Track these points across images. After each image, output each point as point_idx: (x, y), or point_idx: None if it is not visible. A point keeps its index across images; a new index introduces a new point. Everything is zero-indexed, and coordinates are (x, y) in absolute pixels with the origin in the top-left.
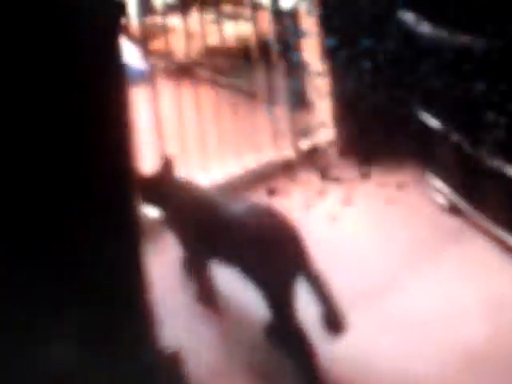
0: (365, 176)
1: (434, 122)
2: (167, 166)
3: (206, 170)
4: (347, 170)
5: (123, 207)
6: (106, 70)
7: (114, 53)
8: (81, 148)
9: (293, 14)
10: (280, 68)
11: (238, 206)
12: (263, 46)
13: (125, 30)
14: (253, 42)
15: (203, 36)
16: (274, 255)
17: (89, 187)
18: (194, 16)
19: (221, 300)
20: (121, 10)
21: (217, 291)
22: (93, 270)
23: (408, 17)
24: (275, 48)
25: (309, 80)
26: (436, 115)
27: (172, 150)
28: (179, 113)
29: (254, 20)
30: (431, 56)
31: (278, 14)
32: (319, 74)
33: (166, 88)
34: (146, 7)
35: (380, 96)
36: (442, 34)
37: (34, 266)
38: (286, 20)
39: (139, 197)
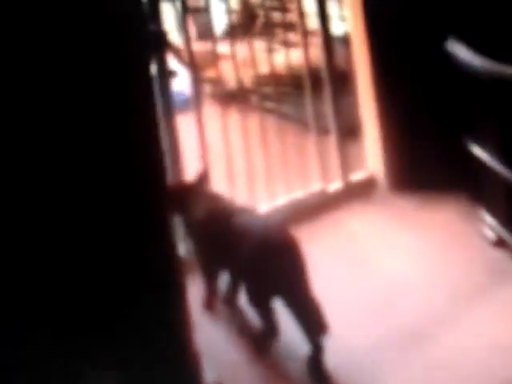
0: (415, 208)
1: (484, 156)
2: (201, 177)
3: (252, 201)
4: (397, 202)
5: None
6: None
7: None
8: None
9: (345, 40)
10: (331, 95)
11: (249, 221)
12: (314, 74)
13: (177, 54)
14: (303, 69)
15: (254, 63)
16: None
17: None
18: (246, 43)
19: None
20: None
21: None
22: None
23: (457, 48)
24: (326, 75)
25: (360, 108)
26: (487, 148)
27: (218, 176)
28: (227, 140)
29: (305, 47)
30: (482, 89)
31: (329, 40)
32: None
33: (215, 114)
34: (200, 32)
35: (431, 127)
36: (493, 66)
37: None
38: (337, 46)
39: (169, 204)
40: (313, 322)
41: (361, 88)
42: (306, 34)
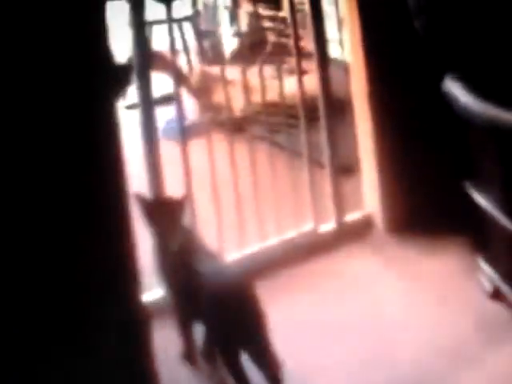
0: (411, 253)
1: (485, 203)
2: (183, 199)
3: (242, 236)
4: (393, 246)
5: None
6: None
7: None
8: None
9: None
10: (326, 126)
11: (211, 271)
12: (311, 102)
13: (183, 80)
14: (298, 97)
15: (262, 91)
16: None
17: None
18: (255, 69)
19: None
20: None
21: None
22: None
23: (455, 88)
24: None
25: (357, 142)
26: (488, 195)
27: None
28: (214, 168)
29: (299, 74)
30: (482, 134)
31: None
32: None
33: (217, 143)
34: (207, 57)
35: (432, 169)
36: (493, 111)
37: None
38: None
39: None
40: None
41: (359, 121)
42: (300, 60)
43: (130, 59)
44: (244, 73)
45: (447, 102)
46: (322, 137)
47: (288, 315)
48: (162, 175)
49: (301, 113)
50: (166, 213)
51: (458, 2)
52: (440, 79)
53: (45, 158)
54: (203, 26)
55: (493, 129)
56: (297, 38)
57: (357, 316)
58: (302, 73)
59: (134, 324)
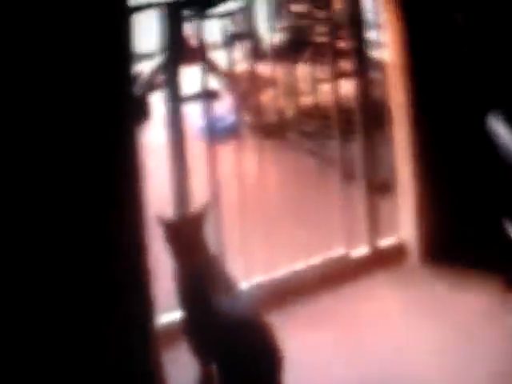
0: (444, 286)
1: None
2: (202, 213)
3: (268, 254)
4: (426, 277)
5: None
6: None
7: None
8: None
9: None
10: (363, 140)
11: (228, 301)
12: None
13: (225, 75)
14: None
15: (302, 93)
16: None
17: None
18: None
19: None
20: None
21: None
22: None
23: (498, 126)
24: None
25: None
26: None
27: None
28: (242, 178)
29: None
30: None
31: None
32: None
33: (251, 148)
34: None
35: (472, 201)
36: None
37: None
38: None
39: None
40: None
41: (396, 134)
42: (336, 63)
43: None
44: (286, 71)
45: (489, 137)
46: (357, 151)
47: (308, 352)
48: (187, 180)
49: (336, 121)
50: (185, 234)
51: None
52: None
53: (65, 184)
54: (245, 23)
55: None
56: (333, 39)
57: (380, 351)
58: (341, 76)
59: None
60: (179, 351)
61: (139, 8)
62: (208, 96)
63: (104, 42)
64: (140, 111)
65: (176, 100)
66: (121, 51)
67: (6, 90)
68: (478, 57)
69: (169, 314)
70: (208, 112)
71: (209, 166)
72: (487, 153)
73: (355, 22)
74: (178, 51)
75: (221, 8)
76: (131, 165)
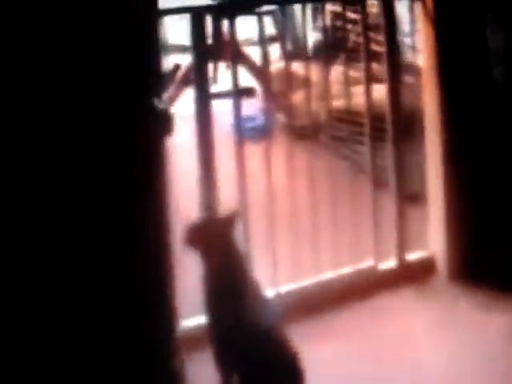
0: (473, 305)
1: None
2: (230, 217)
3: (295, 263)
4: (455, 294)
5: None
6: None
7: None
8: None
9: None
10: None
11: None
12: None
13: (259, 74)
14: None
15: (335, 96)
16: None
17: None
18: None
19: None
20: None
21: None
22: None
23: None
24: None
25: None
26: None
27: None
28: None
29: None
30: None
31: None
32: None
33: (282, 148)
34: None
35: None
36: None
37: None
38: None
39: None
40: None
41: (429, 147)
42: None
43: (175, 66)
44: (320, 72)
45: None
46: (388, 158)
47: (331, 364)
48: (214, 181)
49: (368, 126)
50: (212, 236)
51: None
52: None
53: (88, 191)
54: (283, 22)
55: None
56: (367, 42)
57: (403, 367)
58: (375, 80)
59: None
60: (199, 359)
61: (169, 11)
62: (242, 93)
63: (132, 46)
64: (164, 120)
65: (205, 97)
66: (148, 58)
67: (30, 98)
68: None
69: (191, 319)
70: (239, 110)
71: (237, 165)
72: None
73: (389, 26)
74: (208, 48)
75: (259, 7)
76: (155, 171)
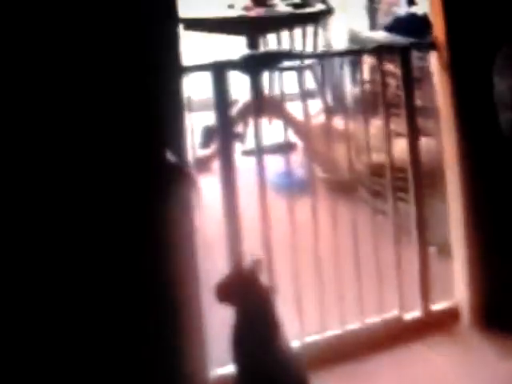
0: (496, 354)
1: None
2: (254, 267)
3: (321, 314)
4: (478, 343)
5: None
6: None
7: None
8: None
9: None
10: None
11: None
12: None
13: (298, 129)
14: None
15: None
16: None
17: None
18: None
19: None
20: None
21: None
22: None
23: None
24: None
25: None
26: None
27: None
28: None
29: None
30: None
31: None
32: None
33: (321, 203)
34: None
35: None
36: None
37: None
38: None
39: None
40: None
41: (450, 196)
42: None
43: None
44: (360, 126)
45: None
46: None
47: None
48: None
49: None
50: (240, 290)
51: None
52: None
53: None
54: (324, 75)
55: None
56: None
57: None
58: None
59: None
60: None
61: (194, 68)
62: (283, 148)
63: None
64: (178, 174)
65: (229, 154)
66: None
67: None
68: None
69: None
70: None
71: (263, 218)
72: None
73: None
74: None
75: (301, 61)
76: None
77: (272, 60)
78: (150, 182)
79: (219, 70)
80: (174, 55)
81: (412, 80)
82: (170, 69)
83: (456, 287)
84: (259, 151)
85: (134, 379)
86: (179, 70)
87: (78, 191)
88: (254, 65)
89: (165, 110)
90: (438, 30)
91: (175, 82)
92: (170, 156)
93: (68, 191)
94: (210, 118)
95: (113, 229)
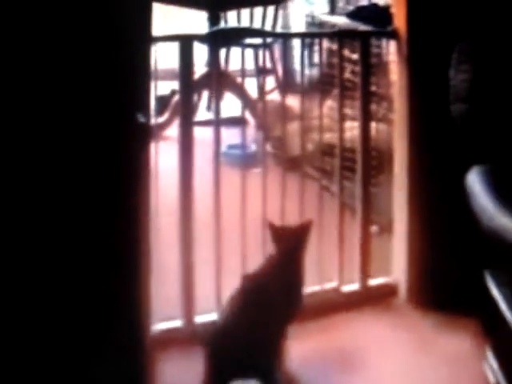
0: (428, 327)
1: (499, 296)
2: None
3: None
4: (410, 320)
5: None
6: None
7: None
8: None
9: None
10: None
11: None
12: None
13: (251, 105)
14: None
15: (327, 129)
16: None
17: None
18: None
19: None
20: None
21: None
22: None
23: (476, 184)
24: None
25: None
26: (502, 290)
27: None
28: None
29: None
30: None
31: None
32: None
33: (270, 177)
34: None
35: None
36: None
37: None
38: None
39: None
40: None
41: (396, 178)
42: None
43: (172, 91)
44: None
45: (466, 194)
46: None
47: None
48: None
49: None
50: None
51: (498, 94)
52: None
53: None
54: (278, 54)
55: (500, 240)
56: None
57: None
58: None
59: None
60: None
61: (161, 38)
62: (236, 122)
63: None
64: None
65: (188, 124)
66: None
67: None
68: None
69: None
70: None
71: (216, 189)
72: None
73: (365, 65)
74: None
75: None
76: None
77: (237, 36)
78: (121, 141)
79: (187, 42)
80: (145, 25)
81: (369, 66)
82: (141, 38)
83: (395, 264)
84: (217, 123)
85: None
86: (149, 40)
87: (51, 156)
88: (221, 40)
89: (135, 76)
90: (400, 21)
91: (145, 50)
92: (141, 118)
93: (41, 158)
94: (165, 87)
95: (84, 189)
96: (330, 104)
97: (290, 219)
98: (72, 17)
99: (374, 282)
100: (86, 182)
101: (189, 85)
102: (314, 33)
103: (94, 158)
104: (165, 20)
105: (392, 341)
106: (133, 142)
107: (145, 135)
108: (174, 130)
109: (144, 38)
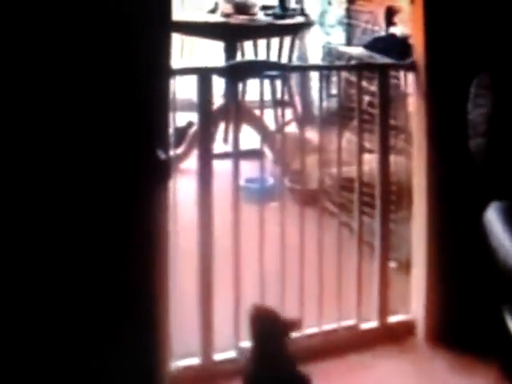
0: (445, 366)
1: None
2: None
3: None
4: (429, 355)
5: None
6: None
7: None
8: None
9: None
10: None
11: None
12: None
13: (269, 138)
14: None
15: (345, 163)
16: None
17: None
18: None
19: None
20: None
21: None
22: None
23: (494, 220)
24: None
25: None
26: None
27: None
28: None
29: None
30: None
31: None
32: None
33: (288, 213)
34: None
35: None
36: None
37: None
38: None
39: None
40: None
41: (415, 216)
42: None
43: (188, 123)
44: (331, 139)
45: (484, 230)
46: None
47: None
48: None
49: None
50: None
51: None
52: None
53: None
54: (296, 86)
55: None
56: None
57: None
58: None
59: None
60: None
61: (182, 71)
62: (251, 155)
63: (142, 100)
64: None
65: (207, 156)
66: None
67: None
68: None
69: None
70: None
71: (235, 225)
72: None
73: (384, 99)
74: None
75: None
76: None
77: (255, 69)
78: (141, 178)
79: (205, 75)
80: (166, 58)
81: (388, 98)
82: (160, 70)
83: (413, 302)
84: (236, 155)
85: (96, 372)
86: (169, 72)
87: (67, 187)
88: (239, 73)
89: (156, 111)
90: (418, 53)
91: (165, 84)
92: (162, 154)
93: (57, 187)
94: (181, 118)
95: (100, 223)
96: (348, 137)
97: (308, 256)
98: (93, 51)
99: (392, 319)
100: (105, 221)
101: (208, 118)
102: (333, 66)
103: (114, 195)
104: (182, 49)
105: (405, 381)
106: (153, 180)
107: (165, 172)
108: (189, 163)
109: (164, 72)
